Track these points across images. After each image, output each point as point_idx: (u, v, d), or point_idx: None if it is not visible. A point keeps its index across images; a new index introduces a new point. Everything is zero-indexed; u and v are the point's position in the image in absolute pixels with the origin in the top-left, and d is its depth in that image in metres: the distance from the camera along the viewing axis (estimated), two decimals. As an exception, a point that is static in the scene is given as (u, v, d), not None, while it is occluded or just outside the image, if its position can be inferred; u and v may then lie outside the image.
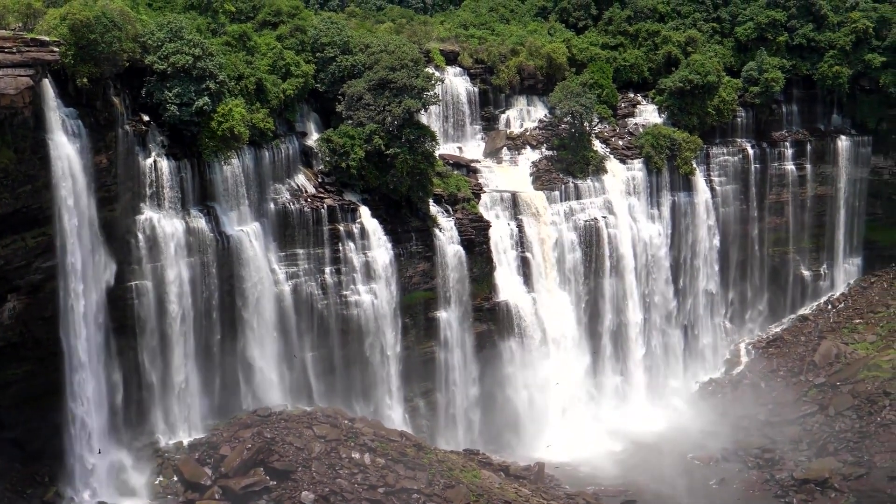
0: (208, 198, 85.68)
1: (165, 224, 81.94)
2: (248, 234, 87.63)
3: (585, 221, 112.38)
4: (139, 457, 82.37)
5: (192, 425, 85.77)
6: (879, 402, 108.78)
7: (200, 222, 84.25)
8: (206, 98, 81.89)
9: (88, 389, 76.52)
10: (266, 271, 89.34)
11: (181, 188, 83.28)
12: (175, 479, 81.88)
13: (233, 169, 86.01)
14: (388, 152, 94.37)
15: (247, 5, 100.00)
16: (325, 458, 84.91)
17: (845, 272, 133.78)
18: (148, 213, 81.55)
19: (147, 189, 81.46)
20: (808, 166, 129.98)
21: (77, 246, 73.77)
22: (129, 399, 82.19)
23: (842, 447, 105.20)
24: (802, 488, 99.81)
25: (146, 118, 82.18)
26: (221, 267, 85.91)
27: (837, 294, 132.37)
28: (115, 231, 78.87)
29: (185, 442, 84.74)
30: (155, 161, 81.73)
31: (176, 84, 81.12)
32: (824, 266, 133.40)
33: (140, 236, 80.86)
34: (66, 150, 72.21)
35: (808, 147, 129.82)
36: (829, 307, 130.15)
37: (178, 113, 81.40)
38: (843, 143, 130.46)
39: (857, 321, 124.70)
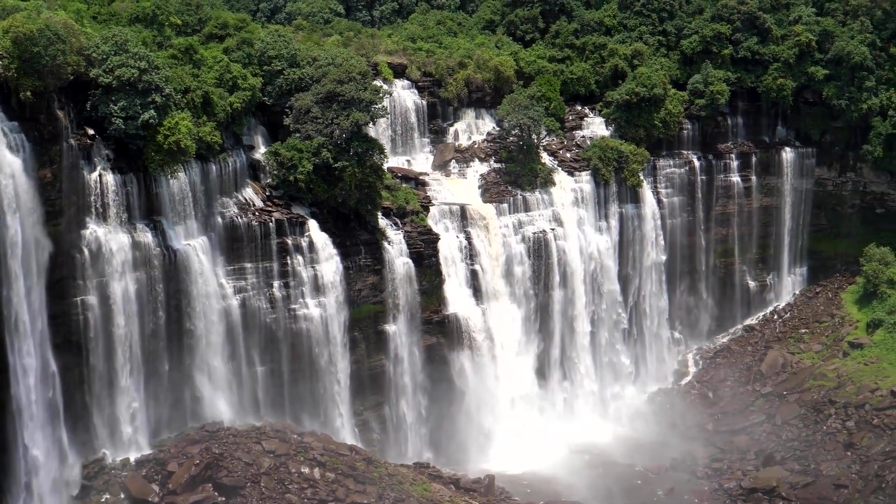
0: (155, 212, 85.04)
1: (111, 238, 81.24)
2: (196, 248, 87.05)
3: (534, 233, 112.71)
4: (85, 474, 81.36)
5: (138, 441, 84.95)
6: (825, 410, 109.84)
7: (147, 236, 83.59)
8: (152, 111, 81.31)
9: (33, 406, 75.55)
10: (213, 285, 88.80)
11: (127, 202, 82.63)
12: (122, 496, 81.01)
13: (179, 183, 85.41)
14: (336, 165, 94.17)
15: (193, 18, 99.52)
16: (274, 474, 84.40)
17: (791, 282, 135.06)
18: (93, 228, 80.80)
19: (92, 203, 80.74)
20: (754, 178, 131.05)
21: (21, 261, 72.90)
22: (75, 415, 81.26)
23: (789, 456, 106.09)
24: (750, 497, 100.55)
25: (91, 132, 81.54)
26: (168, 281, 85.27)
27: (783, 304, 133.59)
28: (61, 246, 78.03)
29: (132, 458, 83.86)
30: (100, 175, 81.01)
31: (121, 97, 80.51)
32: (770, 276, 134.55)
33: (85, 251, 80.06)
34: (9, 165, 71.44)
35: (754, 159, 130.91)
36: (776, 317, 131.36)
37: (123, 126, 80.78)
38: (787, 154, 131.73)
39: (803, 331, 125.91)
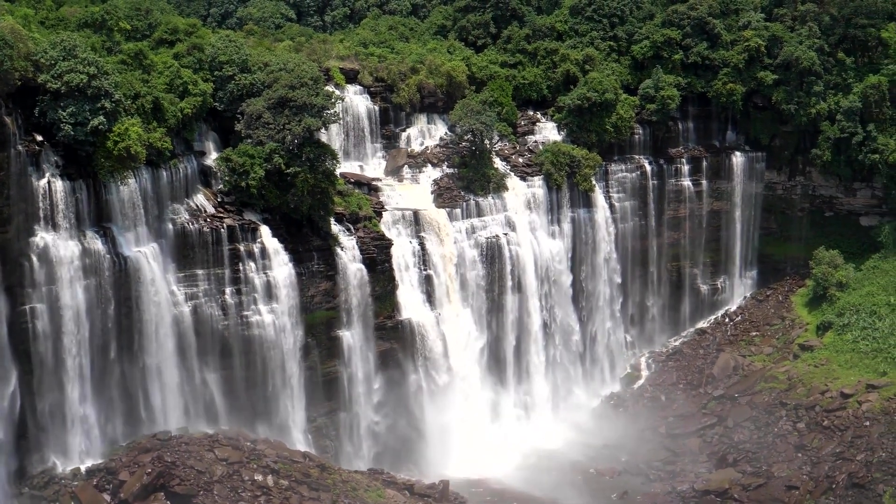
0: (105, 218, 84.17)
1: (60, 246, 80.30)
2: (146, 255, 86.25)
3: (487, 238, 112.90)
4: (35, 484, 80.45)
5: (89, 451, 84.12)
6: (776, 412, 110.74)
7: (97, 243, 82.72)
8: (102, 117, 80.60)
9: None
10: (165, 292, 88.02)
11: (76, 209, 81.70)
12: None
13: (130, 189, 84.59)
14: (288, 171, 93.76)
15: (143, 23, 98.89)
16: (227, 481, 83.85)
17: (741, 286, 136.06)
18: (42, 235, 79.84)
19: (41, 210, 79.75)
20: (704, 182, 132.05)
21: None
22: (25, 425, 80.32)
23: (741, 458, 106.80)
24: (703, 499, 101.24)
25: (39, 138, 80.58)
26: (119, 289, 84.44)
27: (734, 307, 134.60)
28: (9, 253, 77.18)
29: (83, 468, 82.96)
30: (49, 181, 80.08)
31: (70, 103, 79.71)
32: (721, 280, 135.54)
33: (34, 258, 79.14)
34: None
35: (704, 163, 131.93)
36: (727, 320, 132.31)
37: (72, 132, 79.96)
38: (737, 158, 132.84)
39: (754, 334, 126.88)
